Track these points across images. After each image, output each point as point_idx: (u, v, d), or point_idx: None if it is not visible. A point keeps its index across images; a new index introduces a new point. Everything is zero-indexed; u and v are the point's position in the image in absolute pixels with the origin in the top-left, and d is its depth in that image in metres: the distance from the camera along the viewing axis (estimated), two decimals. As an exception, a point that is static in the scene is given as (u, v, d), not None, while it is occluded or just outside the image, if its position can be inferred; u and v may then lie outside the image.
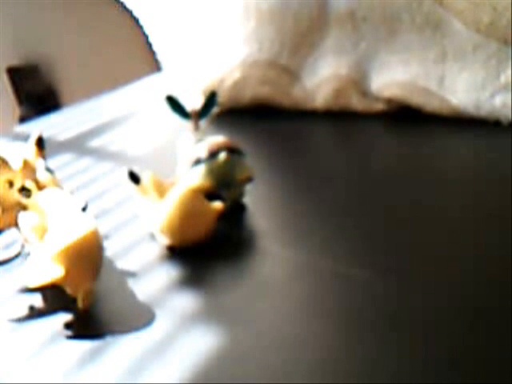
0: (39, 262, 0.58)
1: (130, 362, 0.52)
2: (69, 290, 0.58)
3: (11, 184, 0.70)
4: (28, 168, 0.71)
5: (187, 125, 0.79)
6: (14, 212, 0.68)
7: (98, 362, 0.53)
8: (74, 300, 0.58)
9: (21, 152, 0.72)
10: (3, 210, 0.71)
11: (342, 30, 1.02)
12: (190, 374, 0.50)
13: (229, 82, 1.06)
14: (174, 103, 0.79)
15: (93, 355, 0.53)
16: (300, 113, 1.02)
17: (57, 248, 0.57)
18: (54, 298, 0.60)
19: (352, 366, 0.50)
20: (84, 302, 0.58)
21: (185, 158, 0.76)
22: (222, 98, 1.03)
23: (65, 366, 0.53)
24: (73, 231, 0.58)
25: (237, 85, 1.06)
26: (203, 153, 0.73)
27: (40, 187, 0.67)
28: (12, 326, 0.59)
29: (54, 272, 0.56)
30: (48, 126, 1.12)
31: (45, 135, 0.76)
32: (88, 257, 0.59)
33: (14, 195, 0.68)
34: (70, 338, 0.56)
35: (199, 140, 0.76)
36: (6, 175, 0.70)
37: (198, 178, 0.72)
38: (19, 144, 0.73)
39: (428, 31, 0.96)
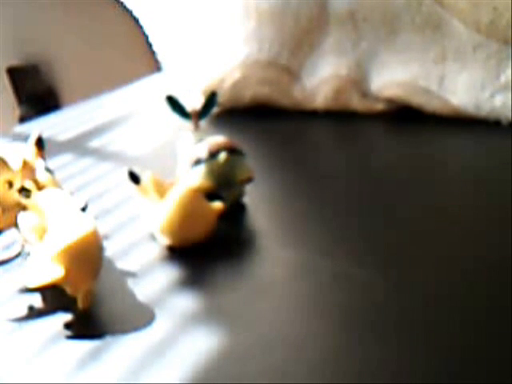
0: (39, 262, 0.58)
1: (130, 362, 0.52)
2: (69, 290, 0.58)
3: (11, 184, 0.69)
4: (27, 168, 0.70)
5: (187, 125, 0.79)
6: (13, 212, 0.68)
7: (98, 363, 0.53)
8: (74, 300, 0.59)
9: (20, 152, 0.72)
10: (3, 211, 0.71)
11: (342, 30, 1.02)
12: (190, 374, 0.50)
13: (229, 82, 1.06)
14: (174, 103, 0.79)
15: (93, 355, 0.53)
16: (300, 113, 1.02)
17: (57, 248, 0.57)
18: (54, 298, 0.60)
19: (352, 366, 0.50)
20: (84, 302, 0.58)
21: (185, 158, 0.76)
22: (222, 97, 1.03)
23: (65, 366, 0.53)
24: (73, 231, 0.58)
25: (237, 85, 1.06)
26: (203, 153, 0.73)
27: (39, 187, 0.67)
28: (12, 327, 0.59)
29: (53, 272, 0.56)
30: (48, 126, 1.12)
31: (45, 135, 0.76)
32: (88, 257, 0.59)
33: (14, 195, 0.68)
34: (70, 338, 0.56)
35: (199, 140, 0.76)
36: (6, 175, 0.70)
37: (198, 178, 0.72)
38: (19, 144, 0.73)
39: (428, 31, 0.96)
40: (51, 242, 0.58)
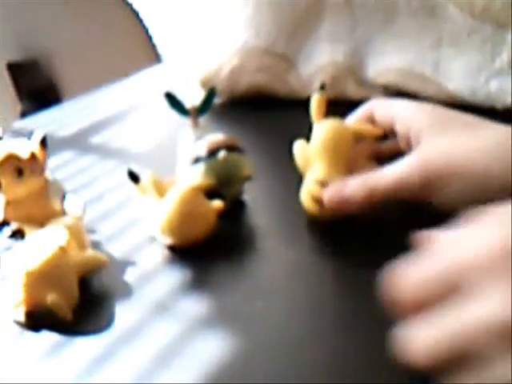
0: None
1: (136, 366, 0.53)
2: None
3: (20, 172, 0.69)
4: (36, 161, 0.70)
5: (187, 121, 0.79)
6: (21, 203, 0.69)
7: (103, 367, 0.53)
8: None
9: (27, 145, 0.71)
10: (8, 202, 0.71)
11: (338, 17, 1.03)
12: (191, 374, 0.51)
13: (226, 70, 1.06)
14: (172, 100, 0.80)
15: (99, 360, 0.54)
16: (298, 102, 1.02)
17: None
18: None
19: (353, 366, 0.50)
20: (61, 314, 0.58)
21: (184, 156, 0.76)
22: (219, 86, 1.04)
23: (72, 370, 0.53)
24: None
25: (234, 72, 1.06)
26: (202, 151, 0.73)
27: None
28: (19, 330, 0.59)
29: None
30: (48, 121, 1.11)
31: (45, 131, 0.75)
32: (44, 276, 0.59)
33: (23, 185, 0.69)
34: (72, 342, 0.56)
35: (199, 137, 0.76)
36: (15, 163, 0.69)
37: (197, 176, 0.72)
38: (21, 140, 0.72)
39: (423, 17, 0.96)
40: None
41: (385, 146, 0.73)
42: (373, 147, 0.72)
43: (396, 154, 0.68)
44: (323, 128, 0.69)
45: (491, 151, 0.60)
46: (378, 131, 0.70)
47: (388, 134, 0.71)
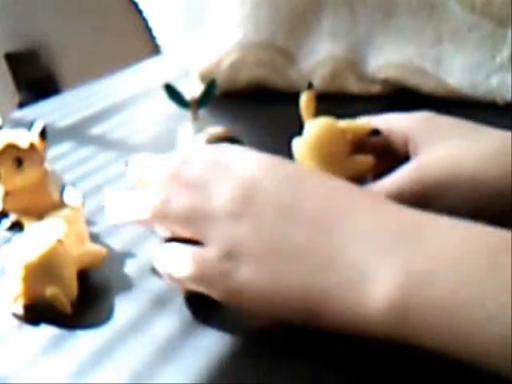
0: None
1: (135, 359, 0.53)
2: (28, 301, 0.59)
3: (20, 162, 0.69)
4: (35, 151, 0.69)
5: (186, 114, 0.79)
6: (20, 195, 0.69)
7: (103, 360, 0.53)
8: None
9: (25, 135, 0.71)
10: (7, 193, 0.71)
11: (338, 12, 1.03)
12: (192, 368, 0.51)
13: (226, 64, 1.06)
14: (171, 91, 0.79)
15: (98, 353, 0.54)
16: (298, 96, 1.02)
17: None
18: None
19: (356, 367, 0.50)
20: (60, 307, 0.58)
21: (184, 148, 0.76)
22: (219, 80, 1.03)
23: (70, 364, 0.53)
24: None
25: (233, 66, 1.06)
26: (202, 144, 0.73)
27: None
28: (18, 323, 0.59)
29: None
30: (46, 111, 1.11)
31: (44, 122, 0.75)
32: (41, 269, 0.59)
33: (22, 176, 0.68)
34: (72, 335, 0.56)
35: (198, 130, 0.76)
36: (14, 153, 0.68)
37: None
38: (19, 130, 0.72)
39: (424, 13, 0.96)
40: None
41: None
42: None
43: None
44: (311, 127, 0.69)
45: (486, 157, 0.60)
46: (368, 127, 0.70)
47: (379, 130, 0.70)
